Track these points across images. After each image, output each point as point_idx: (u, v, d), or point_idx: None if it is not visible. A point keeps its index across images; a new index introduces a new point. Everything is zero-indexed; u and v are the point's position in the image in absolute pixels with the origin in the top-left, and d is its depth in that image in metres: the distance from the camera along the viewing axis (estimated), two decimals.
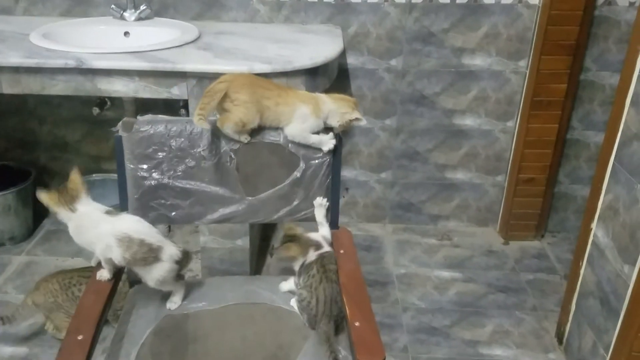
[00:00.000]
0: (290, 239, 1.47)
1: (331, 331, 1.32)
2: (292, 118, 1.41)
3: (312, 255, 1.44)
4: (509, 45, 2.33)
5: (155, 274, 1.32)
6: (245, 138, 1.43)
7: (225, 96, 1.37)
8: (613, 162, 1.71)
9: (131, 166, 1.42)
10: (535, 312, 2.20)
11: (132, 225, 1.32)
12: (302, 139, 1.44)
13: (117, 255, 1.28)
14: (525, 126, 2.39)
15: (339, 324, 1.35)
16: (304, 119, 1.41)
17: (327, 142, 1.44)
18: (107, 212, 1.32)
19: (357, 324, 1.20)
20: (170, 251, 1.34)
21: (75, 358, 1.07)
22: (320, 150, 1.46)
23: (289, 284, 1.48)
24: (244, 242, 2.15)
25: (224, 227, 2.11)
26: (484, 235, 2.65)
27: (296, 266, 1.46)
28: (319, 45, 2.04)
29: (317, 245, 1.46)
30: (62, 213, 1.29)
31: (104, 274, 1.32)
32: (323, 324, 1.33)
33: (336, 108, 1.43)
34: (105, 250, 1.29)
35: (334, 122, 1.43)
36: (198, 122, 1.36)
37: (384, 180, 2.60)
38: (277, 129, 1.45)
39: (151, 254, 1.30)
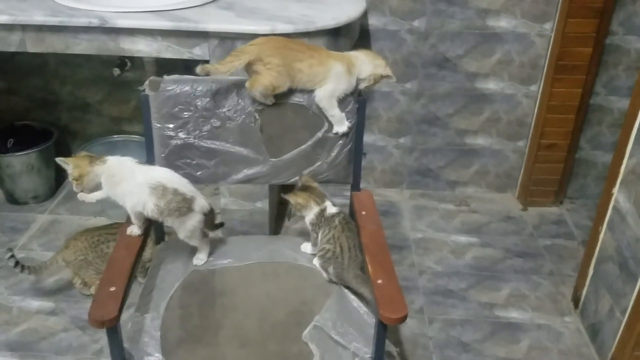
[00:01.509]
0: (304, 189, 1.49)
1: (361, 276, 1.36)
2: (327, 79, 1.41)
3: (332, 208, 1.47)
4: (535, 6, 2.28)
5: (188, 225, 1.36)
6: (270, 100, 1.43)
7: (257, 59, 1.37)
8: (638, 126, 1.69)
9: (158, 125, 1.43)
10: (552, 276, 2.22)
11: (165, 174, 1.35)
12: (327, 105, 1.43)
13: (150, 205, 1.30)
14: (548, 90, 2.36)
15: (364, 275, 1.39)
16: (338, 79, 1.41)
17: (344, 122, 1.45)
18: (138, 163, 1.35)
19: (379, 281, 1.22)
20: (201, 203, 1.37)
21: (108, 307, 1.11)
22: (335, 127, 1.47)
23: (309, 247, 1.51)
24: (263, 205, 2.18)
25: (244, 189, 2.13)
26: (502, 201, 2.65)
27: (306, 217, 1.47)
28: (341, 5, 2.01)
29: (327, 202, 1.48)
30: (94, 170, 1.31)
31: (134, 230, 1.35)
32: (352, 269, 1.37)
33: (369, 61, 1.44)
34: (137, 205, 1.32)
35: (365, 75, 1.43)
36: (201, 69, 1.34)
37: (403, 145, 2.60)
38: (303, 91, 1.45)
39: (184, 204, 1.33)
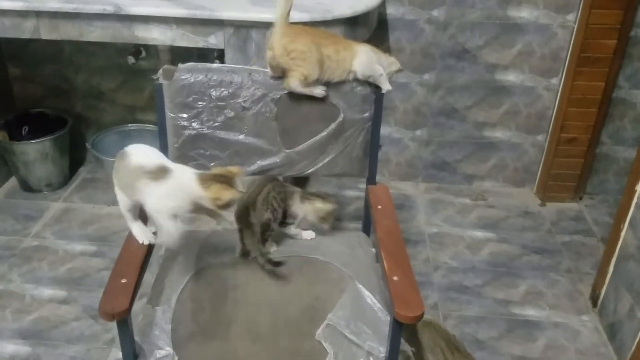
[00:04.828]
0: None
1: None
2: (355, 56, 1.38)
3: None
4: None
5: None
6: (319, 92, 1.40)
7: (282, 53, 1.33)
8: None
9: (171, 115, 1.41)
10: (570, 274, 2.17)
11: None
12: (370, 70, 1.39)
13: None
14: (570, 83, 2.31)
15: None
16: (368, 55, 1.39)
17: (386, 80, 1.42)
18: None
19: (395, 278, 1.19)
20: None
21: (118, 300, 1.10)
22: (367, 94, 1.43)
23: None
24: None
25: None
26: (520, 196, 2.60)
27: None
28: None
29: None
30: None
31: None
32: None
33: (385, 57, 1.42)
34: None
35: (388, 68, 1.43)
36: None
37: (419, 138, 2.55)
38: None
39: None
